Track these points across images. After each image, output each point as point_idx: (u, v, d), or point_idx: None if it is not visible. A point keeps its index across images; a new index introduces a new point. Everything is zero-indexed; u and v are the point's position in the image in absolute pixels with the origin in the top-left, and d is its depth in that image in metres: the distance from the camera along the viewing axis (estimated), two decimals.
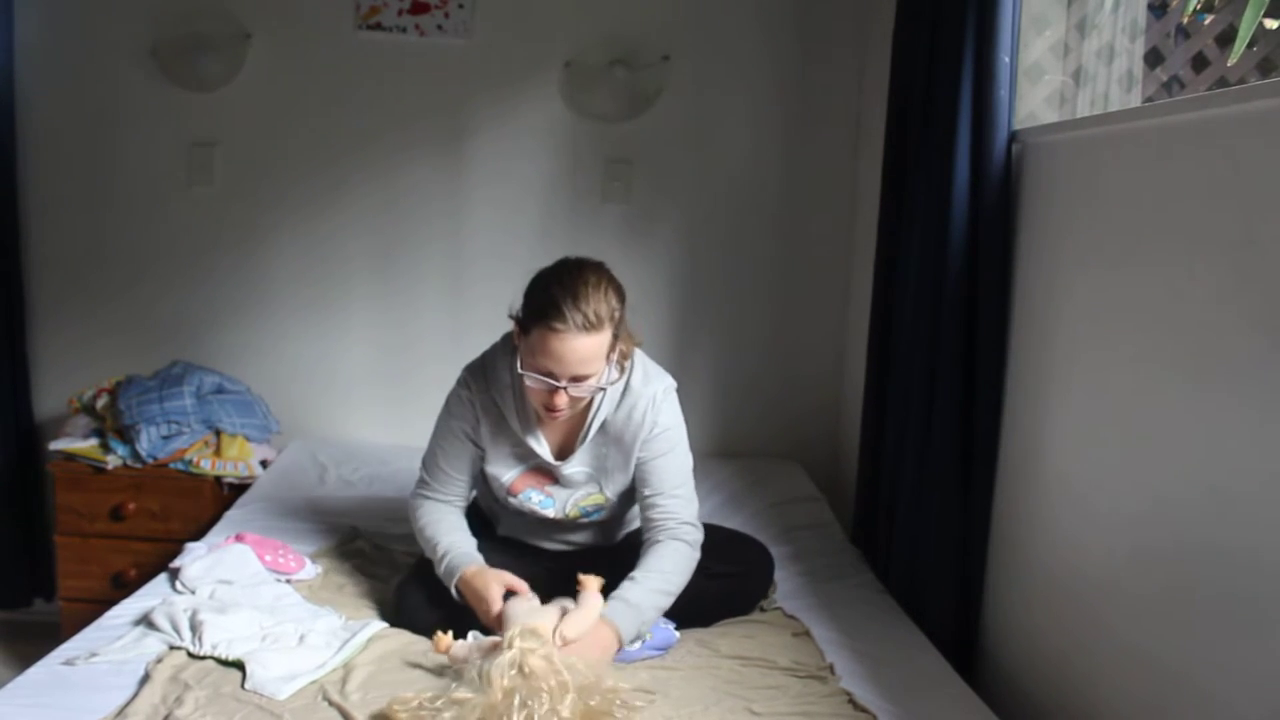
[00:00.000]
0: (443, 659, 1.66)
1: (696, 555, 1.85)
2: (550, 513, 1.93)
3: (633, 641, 1.74)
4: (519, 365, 1.76)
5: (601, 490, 1.92)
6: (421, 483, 1.97)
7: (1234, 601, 1.28)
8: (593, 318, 1.67)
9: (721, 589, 1.92)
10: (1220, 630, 1.30)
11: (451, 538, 1.86)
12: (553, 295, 1.68)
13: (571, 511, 1.93)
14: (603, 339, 1.70)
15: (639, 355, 1.90)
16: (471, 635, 1.69)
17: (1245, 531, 1.26)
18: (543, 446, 1.87)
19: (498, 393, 1.87)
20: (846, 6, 2.83)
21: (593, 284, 1.70)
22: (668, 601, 1.79)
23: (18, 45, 2.74)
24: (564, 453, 1.90)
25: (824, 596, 2.05)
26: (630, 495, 1.95)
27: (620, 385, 1.86)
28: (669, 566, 1.81)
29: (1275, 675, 1.20)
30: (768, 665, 1.71)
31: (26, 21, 2.76)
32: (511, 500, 1.94)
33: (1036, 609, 1.78)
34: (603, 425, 1.87)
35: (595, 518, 1.96)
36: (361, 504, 2.49)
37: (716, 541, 1.97)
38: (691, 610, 1.86)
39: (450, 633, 1.65)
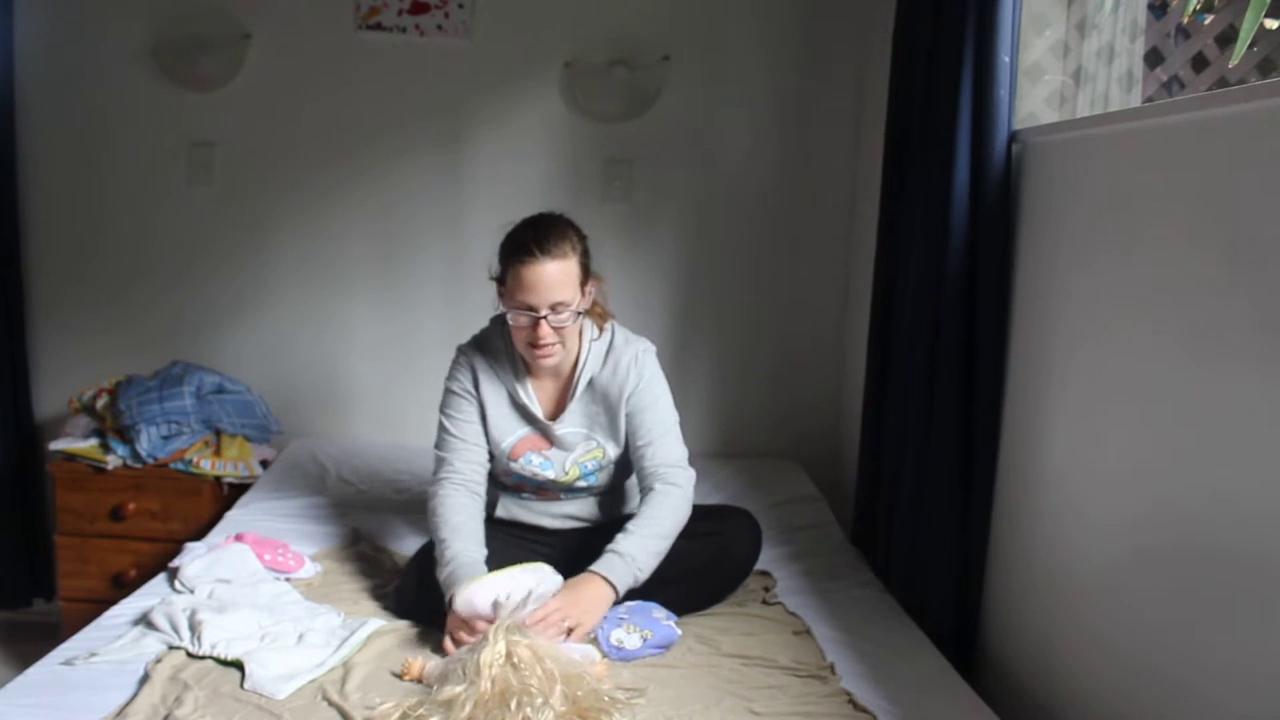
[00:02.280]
0: (437, 655, 1.65)
1: (687, 493, 1.96)
2: (550, 473, 2.00)
3: (628, 629, 1.75)
4: (502, 308, 1.93)
5: (599, 444, 2.00)
6: (438, 464, 2.00)
7: (1235, 603, 1.28)
8: (555, 248, 1.85)
9: (707, 549, 1.95)
10: (1220, 630, 1.30)
11: (461, 544, 1.85)
12: (519, 237, 1.88)
13: (571, 469, 2.00)
14: (569, 265, 1.87)
15: (618, 325, 2.06)
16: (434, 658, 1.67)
17: (1246, 533, 1.26)
18: (535, 405, 1.99)
19: (492, 357, 2.01)
20: (847, 7, 2.83)
21: (552, 222, 1.91)
22: (664, 545, 1.88)
23: (18, 45, 2.74)
24: (556, 414, 2.01)
25: (824, 596, 2.04)
26: (626, 462, 2.04)
27: (604, 345, 2.01)
28: (658, 513, 1.91)
29: (1277, 677, 1.20)
30: (768, 664, 1.71)
31: (26, 21, 2.76)
32: (513, 465, 2.00)
33: (1037, 609, 1.78)
34: (590, 383, 1.98)
35: (594, 481, 2.03)
36: (362, 504, 2.49)
37: (701, 510, 2.06)
38: (682, 572, 1.90)
39: (420, 657, 1.65)
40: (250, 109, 2.83)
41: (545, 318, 1.85)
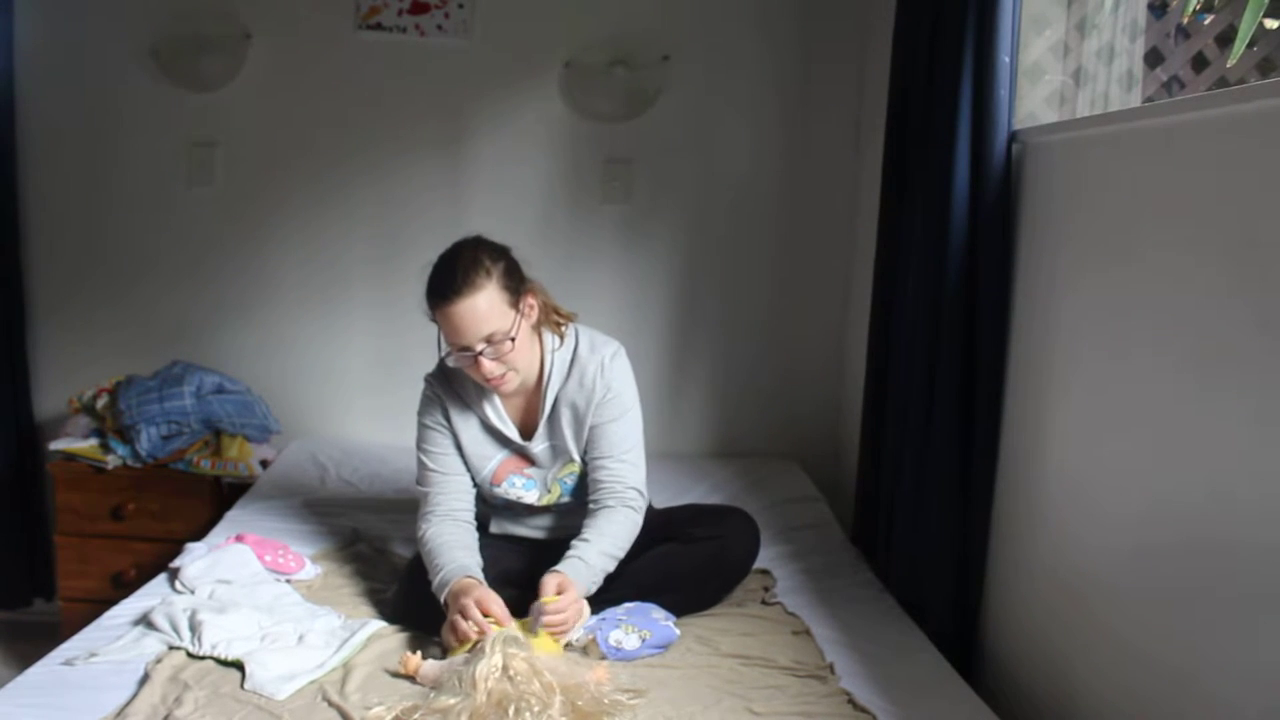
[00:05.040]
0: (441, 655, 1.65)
1: (639, 521, 1.92)
2: (534, 494, 1.98)
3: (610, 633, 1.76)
4: (442, 353, 1.86)
5: (572, 459, 1.97)
6: (422, 502, 1.97)
7: (1235, 600, 1.28)
8: (464, 282, 1.77)
9: (706, 551, 1.94)
10: (1222, 629, 1.30)
11: (451, 554, 1.84)
12: (432, 280, 1.82)
13: (553, 488, 1.98)
14: (488, 296, 1.78)
15: (582, 328, 1.99)
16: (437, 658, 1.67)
17: (1246, 530, 1.26)
18: (508, 426, 1.95)
19: (458, 385, 1.96)
20: (847, 6, 2.83)
21: (458, 254, 1.83)
22: (613, 565, 1.86)
23: (18, 45, 2.74)
24: (529, 432, 1.97)
25: (824, 596, 2.04)
26: None
27: (567, 356, 1.93)
28: (618, 531, 1.88)
29: (1276, 674, 1.20)
30: (767, 664, 1.71)
31: (26, 21, 2.76)
32: (496, 490, 1.98)
33: (1037, 609, 1.78)
34: (558, 397, 1.93)
35: (575, 495, 2.00)
36: (362, 504, 2.49)
37: (699, 511, 2.07)
38: (681, 575, 1.90)
39: (419, 653, 1.65)
40: (250, 109, 2.83)
41: (482, 353, 1.79)
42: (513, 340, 1.81)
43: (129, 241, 2.87)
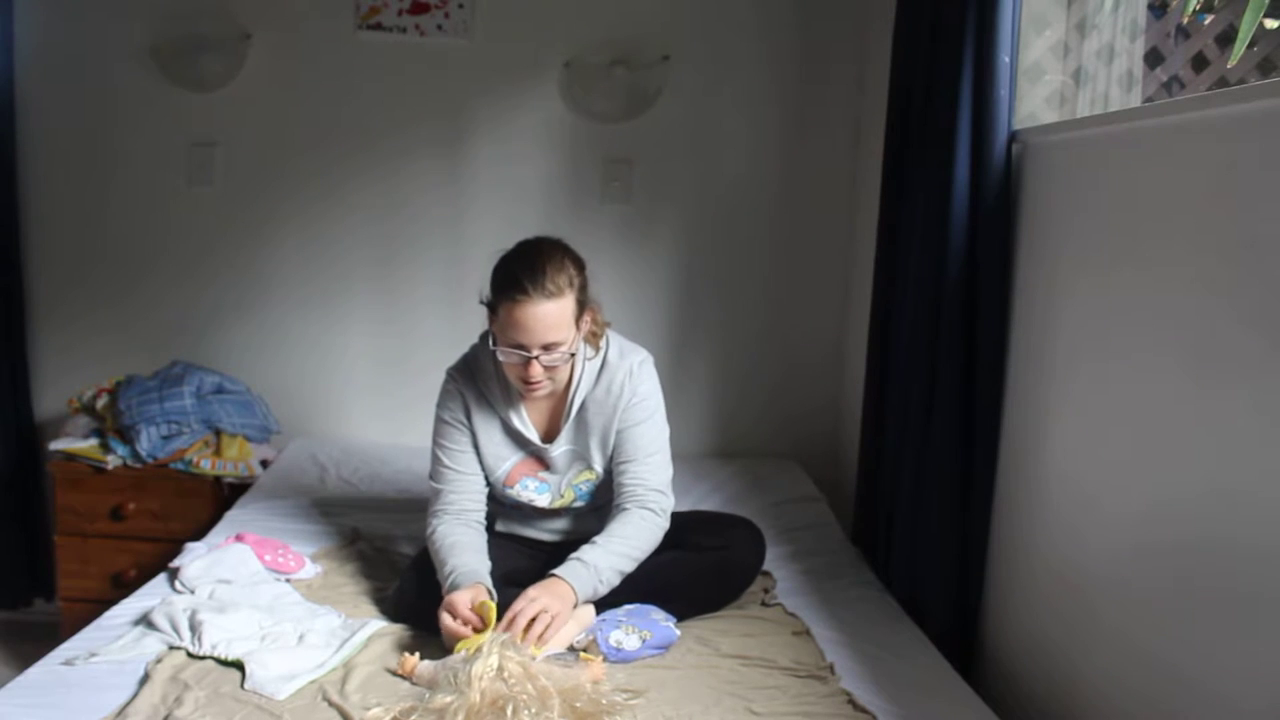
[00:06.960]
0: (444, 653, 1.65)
1: (664, 523, 1.91)
2: (546, 498, 1.97)
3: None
4: (492, 344, 1.83)
5: (590, 466, 1.96)
6: (434, 498, 1.95)
7: (1236, 600, 1.28)
8: (551, 285, 1.75)
9: (711, 561, 1.94)
10: (1222, 629, 1.30)
11: (462, 557, 1.83)
12: (513, 270, 1.78)
13: (566, 493, 1.98)
14: (565, 304, 1.77)
15: (612, 334, 1.98)
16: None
17: (1246, 530, 1.26)
18: (529, 429, 1.94)
19: (482, 382, 1.94)
20: (846, 7, 2.83)
21: (549, 255, 1.79)
22: (630, 566, 1.84)
23: (18, 45, 2.74)
24: (550, 435, 1.96)
25: (824, 596, 2.04)
26: None
27: (597, 363, 1.93)
28: (632, 533, 1.86)
29: (1276, 674, 1.20)
30: (768, 665, 1.71)
31: (26, 21, 2.76)
32: (509, 492, 1.97)
33: (1037, 609, 1.78)
34: (584, 403, 1.93)
35: (589, 501, 2.00)
36: (362, 504, 2.49)
37: (705, 519, 2.07)
38: (685, 583, 1.89)
39: (417, 654, 1.65)
40: (250, 109, 2.83)
41: (536, 358, 1.78)
42: (572, 355, 1.82)
43: (129, 241, 2.87)
